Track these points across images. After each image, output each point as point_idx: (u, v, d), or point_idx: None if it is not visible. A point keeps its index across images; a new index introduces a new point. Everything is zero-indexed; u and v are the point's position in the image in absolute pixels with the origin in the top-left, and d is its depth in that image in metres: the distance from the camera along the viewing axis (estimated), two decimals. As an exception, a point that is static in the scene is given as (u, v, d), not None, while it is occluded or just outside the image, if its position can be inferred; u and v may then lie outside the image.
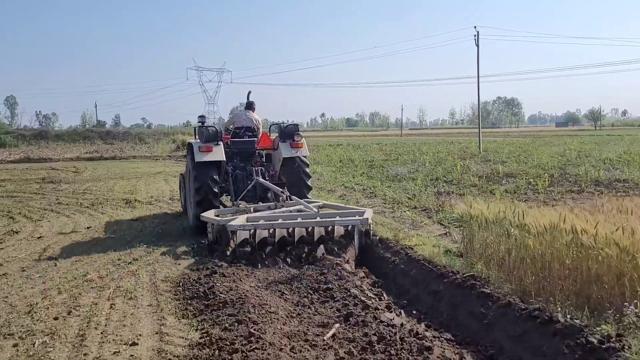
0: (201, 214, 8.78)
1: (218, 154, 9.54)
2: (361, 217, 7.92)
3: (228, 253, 7.45)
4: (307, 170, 10.48)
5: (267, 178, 10.32)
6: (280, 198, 9.50)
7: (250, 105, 11.24)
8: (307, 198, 10.04)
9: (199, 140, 9.86)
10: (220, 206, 9.57)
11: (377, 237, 7.98)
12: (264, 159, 11.02)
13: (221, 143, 9.79)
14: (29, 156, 36.36)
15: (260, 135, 11.08)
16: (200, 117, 11.17)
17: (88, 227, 10.46)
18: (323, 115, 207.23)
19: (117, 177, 22.22)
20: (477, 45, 32.28)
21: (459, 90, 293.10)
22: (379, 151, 36.33)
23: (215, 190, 9.43)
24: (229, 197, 10.35)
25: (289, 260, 7.23)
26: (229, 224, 7.77)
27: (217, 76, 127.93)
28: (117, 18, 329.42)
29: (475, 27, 32.18)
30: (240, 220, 8.00)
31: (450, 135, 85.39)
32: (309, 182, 10.44)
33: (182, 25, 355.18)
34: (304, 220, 8.02)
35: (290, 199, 9.43)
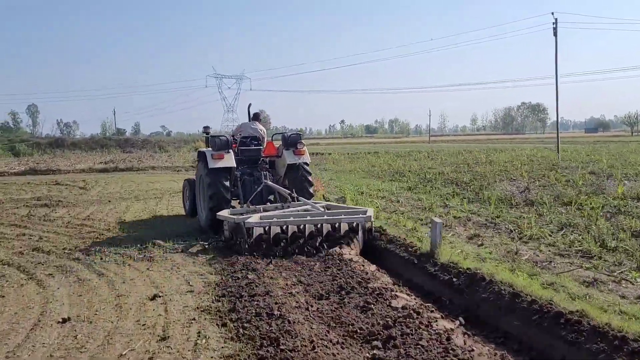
0: (217, 213, 9.49)
1: (229, 160, 10.32)
2: (364, 215, 8.71)
3: (247, 246, 8.14)
4: (310, 178, 11.23)
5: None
6: (288, 200, 10.37)
7: (256, 117, 12.19)
8: (311, 193, 11.08)
9: (210, 149, 10.50)
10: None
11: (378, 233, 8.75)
12: (268, 166, 11.63)
13: (231, 151, 10.54)
14: (35, 167, 31.71)
15: (265, 143, 11.87)
16: (205, 127, 12.47)
17: (63, 321, 5.49)
18: (342, 122, 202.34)
19: (132, 196, 17.34)
20: (555, 36, 27.17)
21: (479, 96, 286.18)
22: (430, 160, 31.21)
23: (227, 196, 10.18)
24: (237, 200, 10.96)
25: (299, 251, 8.05)
26: (247, 221, 8.37)
27: (236, 83, 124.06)
28: (134, 24, 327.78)
29: (552, 13, 27.03)
30: (255, 218, 8.61)
31: (481, 142, 79.86)
32: (310, 189, 11.15)
33: (202, 33, 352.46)
34: (313, 218, 8.71)
35: (298, 200, 10.25)
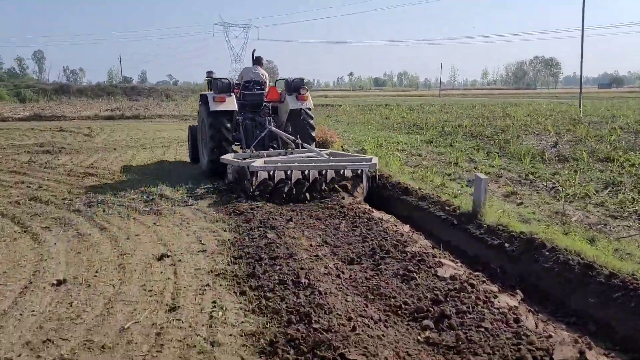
0: (221, 157, 9.34)
1: (231, 104, 10.03)
2: (369, 163, 8.59)
3: (251, 190, 8.11)
4: (312, 122, 10.91)
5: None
6: (290, 146, 10.10)
7: (258, 61, 11.76)
8: (313, 139, 10.87)
9: (212, 92, 10.21)
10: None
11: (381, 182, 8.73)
12: (270, 111, 11.31)
13: (233, 94, 10.24)
14: (40, 113, 30.80)
15: (267, 88, 11.61)
16: (208, 72, 11.91)
17: (58, 283, 4.75)
18: (351, 74, 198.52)
19: (138, 144, 16.51)
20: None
21: (490, 50, 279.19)
22: (444, 113, 30.05)
23: (229, 137, 9.96)
24: (239, 146, 10.95)
25: (304, 196, 8.02)
26: (251, 165, 8.27)
27: (243, 32, 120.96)
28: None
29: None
30: (259, 162, 8.49)
31: (493, 97, 77.84)
32: (313, 134, 10.89)
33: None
34: (317, 164, 8.57)
35: (303, 147, 9.95)
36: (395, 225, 6.36)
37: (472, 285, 4.22)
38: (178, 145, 16.08)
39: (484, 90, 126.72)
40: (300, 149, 9.95)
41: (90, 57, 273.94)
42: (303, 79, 11.00)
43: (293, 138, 10.12)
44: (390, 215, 7.09)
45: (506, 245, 5.26)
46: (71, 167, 11.76)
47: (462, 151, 13.67)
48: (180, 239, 6.22)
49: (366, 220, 6.59)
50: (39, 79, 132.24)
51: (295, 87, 10.77)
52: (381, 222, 6.41)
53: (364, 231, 6.16)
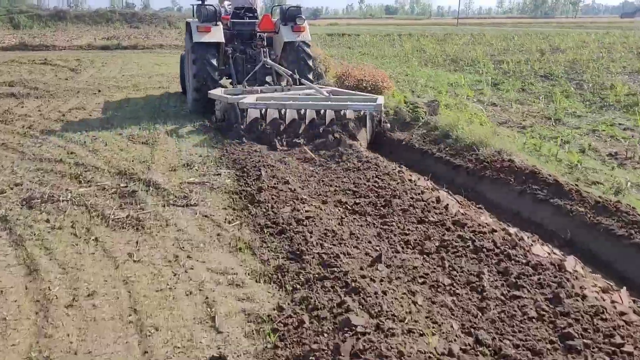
0: (209, 92, 8.28)
1: (217, 34, 8.83)
2: (374, 103, 7.43)
3: (240, 130, 7.08)
4: (309, 51, 9.56)
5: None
6: (287, 81, 8.84)
7: None
8: (309, 79, 9.38)
9: (197, 20, 8.97)
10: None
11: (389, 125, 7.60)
12: (265, 42, 9.82)
13: (220, 23, 9.01)
14: (27, 42, 27.10)
15: (261, 16, 10.19)
16: None
17: None
18: (361, 1, 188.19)
19: (130, 84, 13.16)
20: None
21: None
22: (479, 45, 26.12)
23: (214, 75, 8.81)
24: (230, 81, 9.72)
25: (299, 140, 6.91)
26: (241, 101, 7.36)
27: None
28: None
29: None
30: (250, 99, 7.62)
31: (515, 26, 72.08)
32: (310, 63, 9.57)
33: None
34: (315, 103, 7.55)
35: (300, 83, 8.86)
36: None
37: None
38: (179, 86, 12.75)
39: (502, 19, 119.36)
40: (299, 86, 8.77)
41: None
42: (299, 7, 9.61)
43: (290, 73, 8.86)
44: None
45: None
46: (33, 120, 8.56)
47: (545, 97, 10.35)
48: (176, 305, 3.16)
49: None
50: (38, 4, 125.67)
51: (291, 16, 9.42)
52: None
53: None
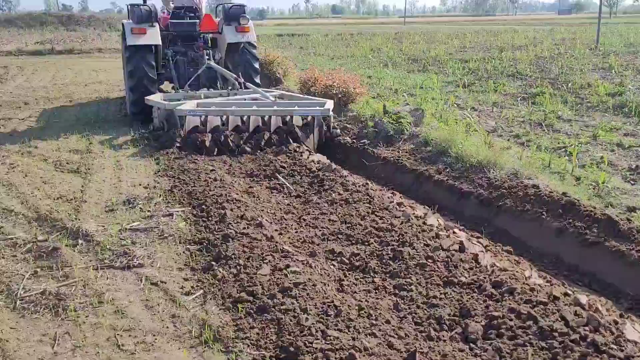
0: (146, 97, 7.70)
1: (153, 36, 8.25)
2: (322, 108, 6.96)
3: (178, 140, 6.49)
4: (255, 52, 9.09)
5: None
6: (233, 85, 8.39)
7: None
8: (256, 82, 8.82)
9: (130, 21, 8.34)
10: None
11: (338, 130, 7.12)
12: (209, 44, 9.50)
13: (157, 24, 8.43)
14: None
15: (202, 16, 9.49)
16: None
17: None
18: (308, 1, 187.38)
19: (62, 94, 11.59)
20: None
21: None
22: (436, 43, 25.59)
23: (151, 75, 8.20)
24: (172, 85, 9.05)
25: (243, 147, 6.45)
26: (177, 108, 6.77)
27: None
28: None
29: None
30: (190, 105, 7.00)
31: (461, 24, 72.97)
32: (256, 65, 9.05)
33: None
34: (259, 109, 7.03)
35: (246, 87, 8.32)
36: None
37: None
38: (120, 92, 11.31)
39: (447, 18, 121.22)
40: (245, 90, 8.28)
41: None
42: (243, 6, 9.05)
43: (235, 76, 8.32)
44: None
45: None
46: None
47: (523, 99, 9.60)
48: None
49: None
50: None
51: (234, 15, 8.77)
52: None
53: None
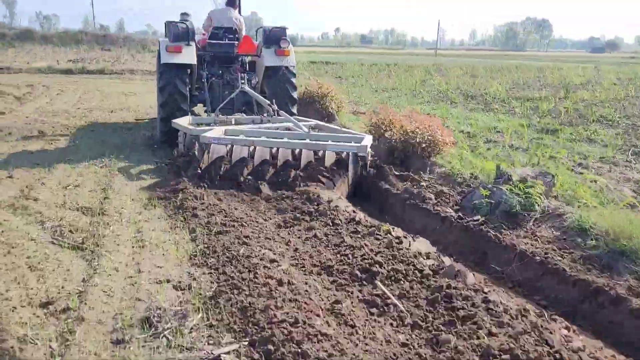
0: (173, 120, 7.22)
1: (188, 55, 7.85)
2: (359, 144, 6.18)
3: (200, 170, 5.94)
4: (294, 81, 8.49)
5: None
6: (267, 113, 7.78)
7: (232, 2, 9.06)
8: (292, 112, 8.20)
9: (166, 39, 8.00)
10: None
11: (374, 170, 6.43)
12: (246, 67, 9.13)
13: (193, 43, 8.02)
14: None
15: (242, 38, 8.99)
16: (182, 14, 9.15)
17: None
18: (337, 30, 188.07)
19: (85, 121, 10.09)
20: None
21: (477, 10, 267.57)
22: (481, 79, 23.78)
23: (184, 106, 7.71)
24: (205, 109, 8.68)
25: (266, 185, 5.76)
26: (203, 135, 6.16)
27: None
28: None
29: None
30: (216, 132, 6.46)
31: (494, 58, 71.18)
32: (294, 95, 8.49)
33: None
34: (290, 141, 6.40)
35: (278, 115, 7.55)
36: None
37: None
38: (150, 122, 9.80)
39: (476, 51, 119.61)
40: (277, 117, 7.63)
41: (66, 2, 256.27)
42: (285, 28, 8.59)
43: (268, 103, 7.71)
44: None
45: None
46: None
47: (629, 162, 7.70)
48: None
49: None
50: (10, 24, 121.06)
51: (275, 38, 8.37)
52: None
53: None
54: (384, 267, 3.57)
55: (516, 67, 34.25)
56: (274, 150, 6.23)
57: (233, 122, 7.48)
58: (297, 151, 6.22)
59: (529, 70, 31.24)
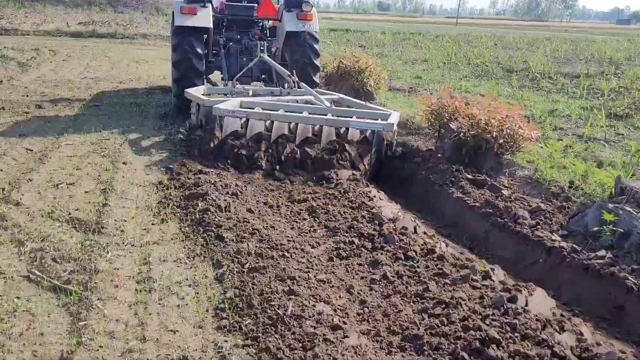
0: (186, 90, 6.58)
1: (203, 18, 7.21)
2: (385, 122, 5.56)
3: (210, 146, 5.49)
4: (317, 47, 7.87)
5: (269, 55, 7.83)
6: (287, 84, 7.28)
7: None
8: (314, 81, 7.68)
9: (182, 1, 7.33)
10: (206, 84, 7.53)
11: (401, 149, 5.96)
12: (267, 32, 8.55)
13: (209, 5, 7.43)
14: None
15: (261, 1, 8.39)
16: None
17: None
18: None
19: (89, 93, 8.91)
20: None
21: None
22: (510, 50, 22.09)
23: (197, 64, 7.16)
24: (222, 77, 8.09)
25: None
26: (216, 106, 5.60)
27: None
28: None
29: None
30: (231, 103, 5.89)
31: (518, 28, 68.28)
32: (316, 62, 7.84)
33: None
34: (310, 116, 5.83)
35: (299, 87, 7.05)
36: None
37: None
38: (164, 95, 8.64)
39: (496, 21, 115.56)
40: (298, 89, 6.96)
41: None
42: None
43: (288, 74, 7.13)
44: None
45: None
46: None
47: None
48: None
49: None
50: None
51: (296, 1, 7.68)
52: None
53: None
54: (503, 348, 2.40)
55: (547, 39, 32.28)
56: (292, 125, 5.74)
57: (250, 94, 6.93)
58: (317, 127, 5.71)
59: (562, 42, 29.33)
